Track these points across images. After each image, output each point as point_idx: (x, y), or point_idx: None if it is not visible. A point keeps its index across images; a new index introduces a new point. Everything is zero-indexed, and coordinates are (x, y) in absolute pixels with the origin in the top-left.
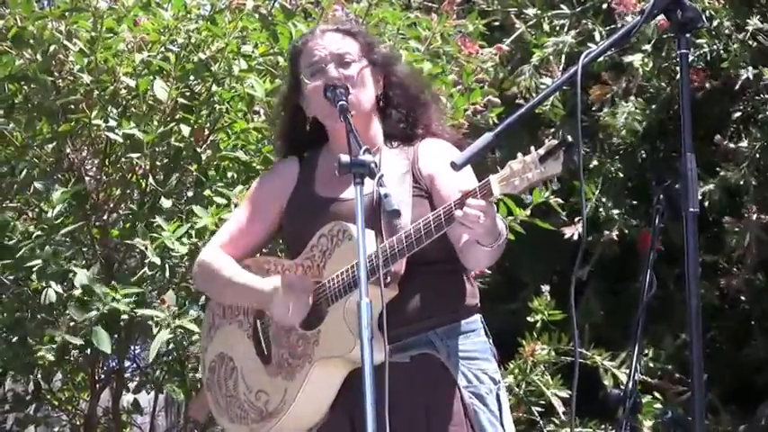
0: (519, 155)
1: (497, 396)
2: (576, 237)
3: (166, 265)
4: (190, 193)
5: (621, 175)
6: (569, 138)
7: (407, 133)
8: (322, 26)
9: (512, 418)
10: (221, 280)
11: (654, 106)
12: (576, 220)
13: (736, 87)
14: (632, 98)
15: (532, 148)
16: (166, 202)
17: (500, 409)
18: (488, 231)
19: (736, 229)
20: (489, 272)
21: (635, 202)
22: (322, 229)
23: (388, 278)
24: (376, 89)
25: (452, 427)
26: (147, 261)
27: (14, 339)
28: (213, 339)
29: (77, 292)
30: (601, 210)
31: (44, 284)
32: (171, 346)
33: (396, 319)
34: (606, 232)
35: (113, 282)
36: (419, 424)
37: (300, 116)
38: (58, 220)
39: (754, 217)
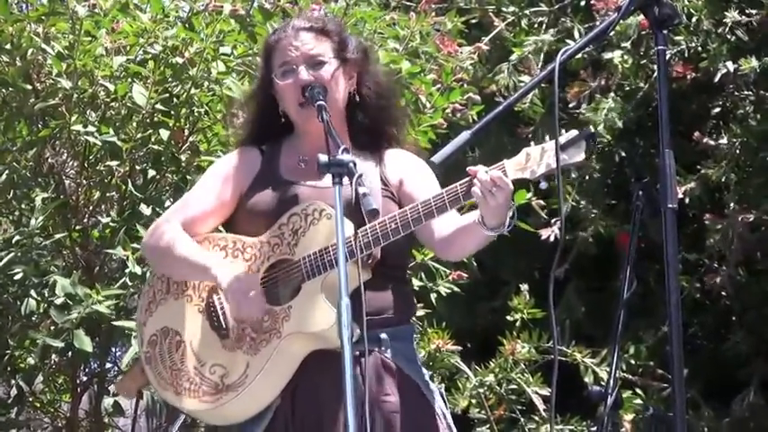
0: (532, 143)
1: (441, 395)
2: (552, 238)
3: (147, 275)
4: (168, 203)
5: (600, 174)
6: (591, 128)
7: (371, 144)
8: (296, 22)
9: (493, 416)
10: (179, 258)
11: (632, 103)
12: (554, 221)
13: (715, 81)
14: (611, 95)
15: (547, 137)
16: (146, 210)
17: (446, 407)
18: (501, 209)
19: (719, 227)
20: (467, 275)
21: (613, 201)
22: (294, 209)
23: (369, 259)
24: (348, 86)
25: (425, 417)
26: (127, 271)
27: None
28: (154, 314)
29: (59, 301)
30: (581, 208)
31: (23, 294)
32: None
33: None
34: (582, 233)
35: (95, 285)
36: (374, 411)
37: (273, 106)
38: (40, 226)
39: (739, 217)
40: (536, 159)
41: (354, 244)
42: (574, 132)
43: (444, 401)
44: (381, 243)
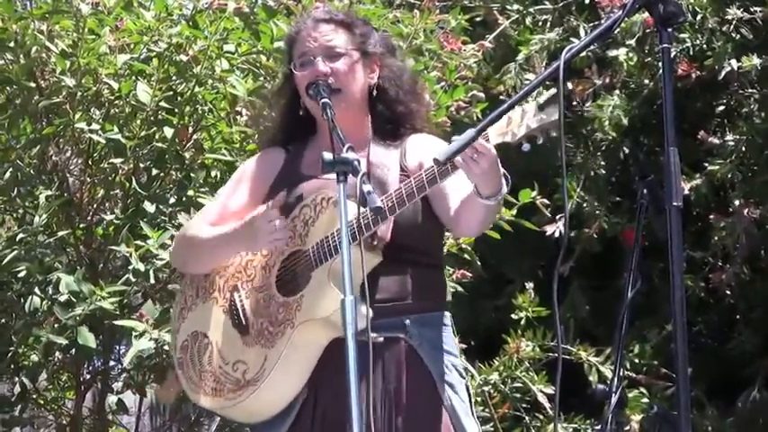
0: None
1: (467, 387)
2: (557, 234)
3: (150, 272)
4: (172, 200)
5: (604, 171)
6: (570, 86)
7: (394, 132)
8: (316, 14)
9: (497, 414)
10: (202, 241)
11: (637, 101)
12: (559, 217)
13: (720, 79)
14: (616, 92)
15: (530, 98)
16: (150, 207)
17: (470, 401)
18: (488, 176)
19: (723, 224)
20: (470, 275)
21: (618, 198)
22: (305, 200)
23: (375, 241)
24: (368, 79)
25: (430, 413)
26: (130, 267)
27: None
28: (186, 320)
29: (63, 298)
30: (584, 206)
31: (27, 291)
32: (153, 351)
33: (374, 298)
34: (586, 230)
35: (99, 282)
36: (384, 405)
37: (297, 100)
38: (44, 224)
39: (745, 212)
40: (516, 122)
41: (360, 222)
42: (553, 91)
43: (469, 395)
44: (381, 221)
